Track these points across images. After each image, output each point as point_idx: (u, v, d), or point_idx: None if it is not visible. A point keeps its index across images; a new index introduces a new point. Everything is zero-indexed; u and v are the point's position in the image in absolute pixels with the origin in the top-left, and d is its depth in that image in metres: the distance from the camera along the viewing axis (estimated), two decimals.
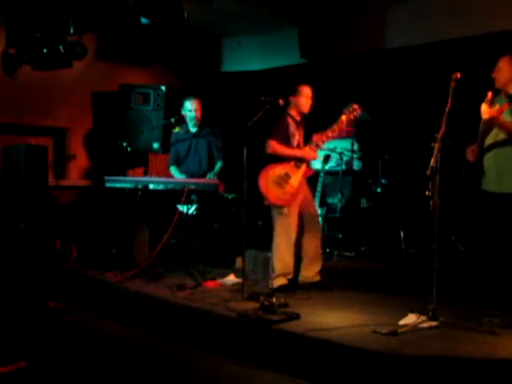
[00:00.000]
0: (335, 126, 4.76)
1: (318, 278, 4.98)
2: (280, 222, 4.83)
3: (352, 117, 4.79)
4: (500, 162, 4.26)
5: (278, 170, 4.78)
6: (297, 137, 4.93)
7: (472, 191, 4.51)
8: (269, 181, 4.73)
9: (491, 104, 4.13)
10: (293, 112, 4.94)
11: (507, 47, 5.47)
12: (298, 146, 4.92)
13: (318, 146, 4.84)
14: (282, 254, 4.81)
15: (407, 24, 6.50)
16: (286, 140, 4.88)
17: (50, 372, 3.72)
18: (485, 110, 4.11)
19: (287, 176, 4.77)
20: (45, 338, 4.42)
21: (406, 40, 6.52)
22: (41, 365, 3.83)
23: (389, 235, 5.90)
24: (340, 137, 5.31)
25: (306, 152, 4.83)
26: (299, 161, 4.81)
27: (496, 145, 4.26)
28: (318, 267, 4.99)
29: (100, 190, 6.01)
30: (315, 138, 4.83)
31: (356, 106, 4.80)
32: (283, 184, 4.74)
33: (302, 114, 4.98)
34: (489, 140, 4.31)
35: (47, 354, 4.06)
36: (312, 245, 4.94)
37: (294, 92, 4.91)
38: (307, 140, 4.94)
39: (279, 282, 4.81)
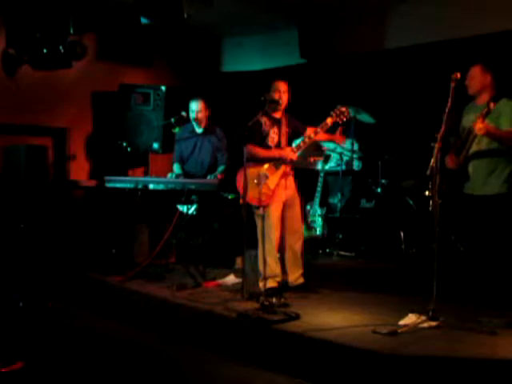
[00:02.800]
0: (319, 128, 4.74)
1: (301, 281, 4.92)
2: (260, 224, 4.78)
3: (339, 120, 4.75)
4: (485, 166, 4.38)
5: (255, 169, 4.72)
6: (272, 135, 4.86)
7: (455, 195, 4.58)
8: (245, 180, 4.60)
9: (484, 118, 4.16)
10: (269, 110, 4.86)
11: (507, 47, 5.49)
12: (279, 145, 4.86)
13: (299, 148, 4.81)
14: (264, 257, 4.73)
15: (407, 24, 6.49)
16: (261, 140, 4.83)
17: (50, 372, 3.72)
18: (480, 127, 4.13)
19: (265, 176, 4.74)
20: (44, 338, 4.42)
21: (406, 40, 6.51)
22: (41, 365, 3.83)
23: (389, 235, 5.89)
24: (334, 141, 5.30)
25: (285, 152, 4.79)
26: (278, 162, 4.78)
27: (481, 151, 4.38)
28: (299, 270, 4.92)
29: (100, 190, 6.01)
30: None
31: (343, 109, 4.76)
32: (260, 184, 4.70)
33: (281, 111, 4.90)
34: (473, 147, 4.38)
35: (48, 354, 4.06)
36: (292, 248, 4.88)
37: (269, 89, 4.86)
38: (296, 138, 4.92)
39: (268, 284, 4.74)
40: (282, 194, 4.80)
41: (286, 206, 4.85)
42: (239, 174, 4.75)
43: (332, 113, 4.76)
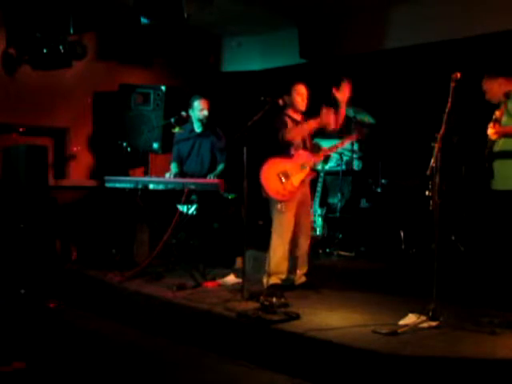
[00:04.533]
0: (346, 140, 5.13)
1: (303, 280, 4.98)
2: (276, 220, 4.81)
3: (360, 137, 5.29)
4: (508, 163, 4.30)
5: (282, 164, 4.75)
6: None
7: (481, 193, 4.54)
8: (271, 173, 4.68)
9: (495, 124, 4.18)
10: (290, 112, 4.91)
11: (507, 47, 5.49)
12: (305, 145, 4.89)
13: (331, 150, 5.07)
14: (274, 252, 4.78)
15: (407, 24, 6.50)
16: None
17: (50, 372, 3.72)
18: (491, 132, 4.17)
19: (290, 173, 4.75)
20: (45, 338, 4.42)
21: (406, 40, 6.52)
22: (40, 365, 3.83)
23: (389, 235, 5.90)
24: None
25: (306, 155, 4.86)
26: (303, 164, 4.80)
27: (504, 152, 4.30)
28: (304, 269, 4.98)
29: (100, 190, 6.01)
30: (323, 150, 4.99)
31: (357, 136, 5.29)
32: (284, 180, 4.71)
33: (301, 112, 4.95)
34: (500, 145, 4.34)
35: (47, 354, 4.06)
36: (302, 248, 4.92)
37: (289, 91, 4.89)
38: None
39: (271, 280, 4.79)
40: (300, 194, 4.85)
41: (299, 205, 4.88)
42: (264, 170, 4.74)
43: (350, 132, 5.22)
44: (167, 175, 5.79)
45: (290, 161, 4.81)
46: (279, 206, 4.75)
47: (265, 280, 4.82)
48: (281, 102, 4.82)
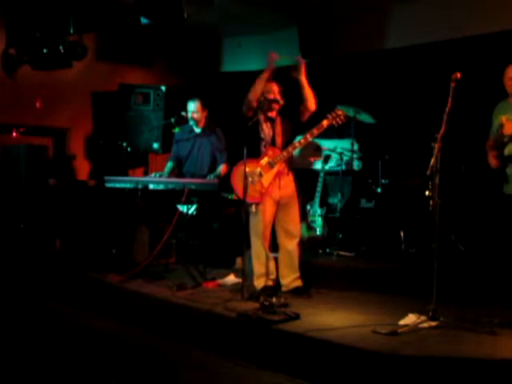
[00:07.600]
0: (315, 130, 4.73)
1: (296, 284, 4.85)
2: (252, 222, 4.78)
3: (334, 123, 4.75)
4: None
5: (251, 166, 4.69)
6: (266, 129, 4.85)
7: (493, 196, 4.55)
8: (240, 176, 4.62)
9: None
10: (265, 110, 4.88)
11: (507, 47, 5.49)
12: (273, 141, 4.84)
13: (294, 147, 4.81)
14: (257, 253, 4.76)
15: (407, 24, 6.51)
16: (257, 133, 4.86)
17: (50, 372, 3.73)
18: (508, 126, 4.17)
19: (259, 174, 4.71)
20: (45, 338, 4.42)
21: (406, 40, 6.52)
22: (40, 365, 3.83)
23: (389, 235, 5.89)
24: None
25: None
26: (272, 161, 4.76)
27: None
28: (294, 273, 4.85)
29: (100, 190, 6.01)
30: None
31: (340, 112, 4.76)
32: (254, 181, 4.68)
33: (275, 110, 4.90)
34: (509, 149, 4.33)
35: (47, 353, 4.06)
36: (286, 249, 4.83)
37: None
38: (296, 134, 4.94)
39: (262, 282, 4.77)
40: (275, 193, 4.78)
41: (280, 206, 4.83)
42: (234, 171, 4.76)
43: (328, 115, 4.79)
44: (153, 175, 5.78)
45: (258, 160, 4.76)
46: (252, 208, 4.73)
47: (256, 283, 4.80)
48: (281, 102, 4.85)
